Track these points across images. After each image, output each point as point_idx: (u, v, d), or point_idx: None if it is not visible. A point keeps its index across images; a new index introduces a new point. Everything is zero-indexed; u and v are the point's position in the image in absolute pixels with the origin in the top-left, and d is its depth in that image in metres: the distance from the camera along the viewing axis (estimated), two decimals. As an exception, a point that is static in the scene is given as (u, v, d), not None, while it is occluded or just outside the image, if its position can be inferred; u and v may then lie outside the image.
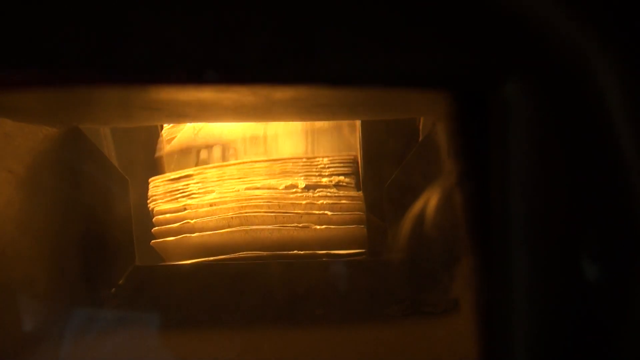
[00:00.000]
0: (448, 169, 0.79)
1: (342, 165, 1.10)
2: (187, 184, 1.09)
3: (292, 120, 1.14)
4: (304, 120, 1.15)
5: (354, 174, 1.11)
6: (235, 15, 0.42)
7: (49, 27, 0.39)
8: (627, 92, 0.43)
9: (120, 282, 1.00)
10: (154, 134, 1.21)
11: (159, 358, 0.79)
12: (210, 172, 1.09)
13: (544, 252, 0.46)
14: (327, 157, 1.10)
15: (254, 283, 0.96)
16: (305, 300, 0.91)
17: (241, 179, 1.08)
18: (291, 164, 1.09)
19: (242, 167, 1.09)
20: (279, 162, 1.10)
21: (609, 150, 0.44)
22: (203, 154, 1.21)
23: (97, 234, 0.97)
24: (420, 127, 1.07)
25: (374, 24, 0.43)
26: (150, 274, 1.05)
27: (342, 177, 1.09)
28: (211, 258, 1.06)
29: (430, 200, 0.84)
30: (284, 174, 1.09)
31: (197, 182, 1.09)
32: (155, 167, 1.20)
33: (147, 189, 1.14)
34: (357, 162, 1.14)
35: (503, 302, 0.49)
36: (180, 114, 0.78)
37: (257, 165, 1.09)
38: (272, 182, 1.07)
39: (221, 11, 0.42)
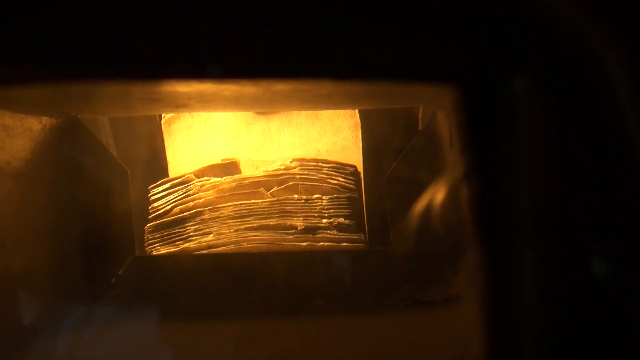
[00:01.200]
0: (450, 159, 0.78)
1: (342, 206, 1.09)
2: (184, 226, 1.09)
3: (294, 110, 1.14)
4: (306, 110, 1.14)
5: (355, 214, 1.10)
6: (237, 9, 0.41)
7: (50, 22, 0.39)
8: (636, 86, 0.43)
9: (120, 272, 1.00)
10: (153, 123, 1.20)
11: (158, 348, 0.79)
12: (207, 214, 1.09)
13: (551, 249, 0.46)
14: (326, 197, 1.10)
15: (254, 274, 0.96)
16: (307, 291, 0.91)
17: (238, 220, 1.08)
18: (289, 204, 1.09)
19: (239, 208, 1.08)
20: (277, 202, 1.09)
21: (619, 146, 0.43)
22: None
23: (96, 225, 0.96)
24: (420, 116, 1.06)
25: (379, 17, 0.42)
26: (150, 264, 1.05)
27: (342, 219, 1.08)
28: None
29: (435, 194, 0.84)
30: (283, 214, 1.08)
31: (194, 224, 1.08)
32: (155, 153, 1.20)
33: (146, 179, 1.14)
34: (360, 202, 1.13)
35: (509, 297, 0.48)
36: (181, 105, 0.77)
37: (254, 205, 1.08)
38: (271, 222, 1.07)
39: (223, 5, 0.41)
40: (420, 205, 0.89)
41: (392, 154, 1.07)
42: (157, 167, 1.17)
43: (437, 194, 0.83)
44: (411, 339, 0.80)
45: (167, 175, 1.17)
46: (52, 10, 0.39)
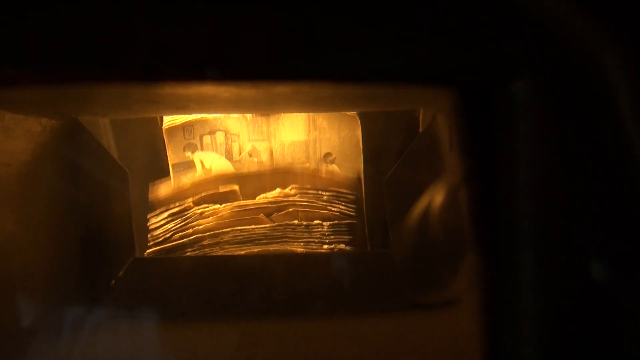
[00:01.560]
0: (449, 162, 0.78)
1: (343, 232, 1.09)
2: (184, 252, 1.09)
3: (293, 112, 1.14)
4: (306, 112, 1.14)
5: (356, 240, 1.10)
6: (237, 12, 0.41)
7: (50, 25, 0.39)
8: (635, 90, 0.43)
9: (120, 274, 1.00)
10: (154, 125, 1.20)
11: (157, 350, 0.79)
12: (207, 240, 1.09)
13: (550, 252, 0.46)
14: (327, 222, 1.09)
15: (254, 277, 0.96)
16: (307, 293, 0.91)
17: (239, 245, 1.08)
18: (290, 229, 1.09)
19: (239, 234, 1.08)
20: (278, 228, 1.09)
21: (618, 150, 0.43)
22: (206, 140, 1.21)
23: (96, 226, 0.96)
24: (421, 118, 1.06)
25: (379, 20, 0.42)
26: (149, 266, 1.05)
27: (342, 245, 1.08)
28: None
29: (434, 196, 0.83)
30: (283, 240, 1.08)
31: (194, 250, 1.08)
32: (156, 155, 1.20)
33: (146, 181, 1.14)
34: (362, 229, 1.13)
35: (508, 300, 0.48)
36: (180, 106, 0.77)
37: (255, 231, 1.08)
38: (271, 248, 1.07)
39: (222, 8, 0.41)
40: (420, 207, 0.89)
41: (393, 156, 1.07)
42: (158, 167, 1.17)
43: (436, 197, 0.83)
44: (411, 342, 0.80)
45: (168, 175, 1.18)
46: (51, 13, 0.39)
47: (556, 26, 0.42)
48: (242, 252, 1.07)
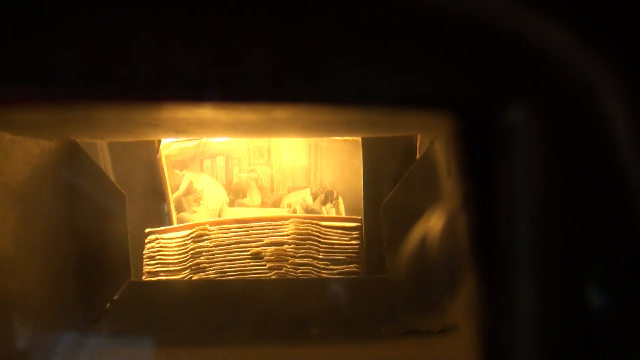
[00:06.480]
0: (447, 188, 0.78)
1: (341, 257, 1.09)
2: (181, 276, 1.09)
3: (292, 137, 1.14)
4: (304, 137, 1.15)
5: (355, 266, 1.10)
6: (236, 35, 0.42)
7: (50, 45, 0.39)
8: (632, 117, 0.43)
9: (115, 297, 0.99)
10: (152, 147, 1.20)
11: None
12: (203, 258, 1.09)
13: (548, 278, 0.46)
14: (325, 247, 1.09)
15: (250, 301, 0.95)
16: (304, 318, 0.90)
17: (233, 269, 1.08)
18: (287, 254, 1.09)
19: (235, 265, 1.09)
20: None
21: (614, 175, 0.43)
22: (206, 163, 1.22)
23: (92, 249, 0.96)
24: (418, 145, 1.07)
25: (376, 45, 0.43)
26: (145, 289, 1.04)
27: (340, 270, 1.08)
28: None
29: (432, 222, 0.83)
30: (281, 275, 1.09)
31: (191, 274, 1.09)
32: (154, 179, 1.20)
33: (143, 203, 1.14)
34: (362, 254, 1.13)
35: (506, 327, 0.48)
36: (179, 130, 0.78)
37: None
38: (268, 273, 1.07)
39: (222, 31, 0.41)
40: (418, 233, 0.89)
41: (391, 181, 1.07)
42: (155, 190, 1.17)
43: (434, 223, 0.83)
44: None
45: (166, 199, 1.17)
46: (50, 35, 0.39)
47: (554, 53, 0.42)
48: (238, 277, 1.06)
